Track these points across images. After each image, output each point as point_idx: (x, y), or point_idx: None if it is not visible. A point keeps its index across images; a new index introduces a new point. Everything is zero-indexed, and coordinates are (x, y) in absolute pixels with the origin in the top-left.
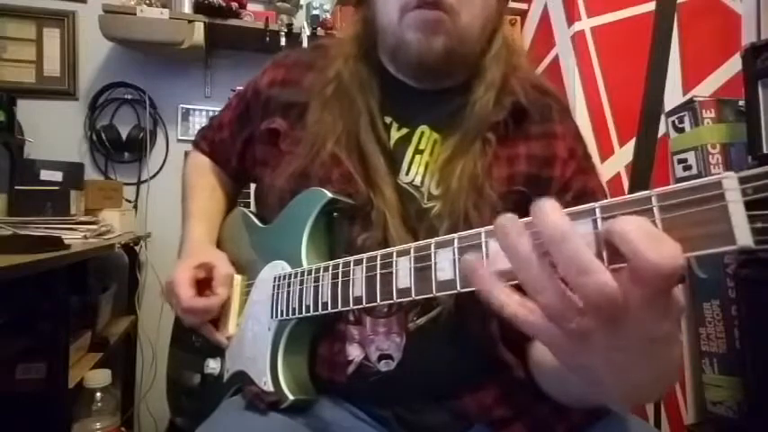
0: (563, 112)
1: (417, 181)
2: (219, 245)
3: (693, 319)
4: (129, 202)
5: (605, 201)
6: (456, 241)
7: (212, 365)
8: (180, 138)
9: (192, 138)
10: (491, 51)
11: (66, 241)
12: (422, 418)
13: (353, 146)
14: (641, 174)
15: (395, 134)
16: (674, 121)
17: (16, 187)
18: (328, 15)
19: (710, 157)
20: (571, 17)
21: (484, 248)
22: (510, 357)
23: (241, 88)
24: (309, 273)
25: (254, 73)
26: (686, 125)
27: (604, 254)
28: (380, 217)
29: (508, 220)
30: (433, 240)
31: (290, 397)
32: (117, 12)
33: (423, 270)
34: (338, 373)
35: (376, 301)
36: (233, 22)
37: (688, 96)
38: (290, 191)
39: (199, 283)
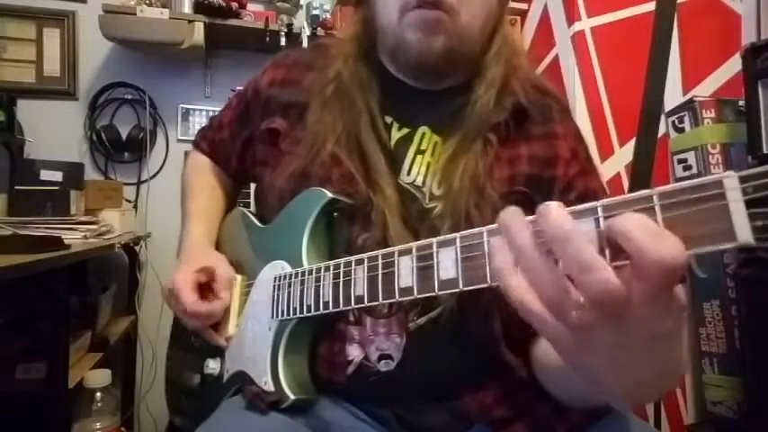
0: (563, 112)
1: (419, 181)
2: (219, 245)
3: (693, 319)
4: (129, 202)
5: (607, 199)
6: (458, 240)
7: (212, 366)
8: (180, 138)
9: (192, 138)
10: (491, 50)
11: (66, 241)
12: (422, 418)
13: (354, 145)
14: (641, 174)
15: (395, 134)
16: (674, 121)
17: (16, 187)
18: (328, 15)
19: (710, 157)
20: (571, 17)
21: (485, 248)
22: (512, 358)
23: (241, 88)
24: (310, 272)
25: (254, 73)
26: (686, 125)
27: (607, 252)
28: (380, 217)
29: (511, 212)
30: (434, 240)
31: (291, 396)
32: (117, 12)
33: (425, 269)
34: (338, 373)
35: (378, 300)
36: (233, 22)
37: (688, 96)
38: (290, 191)
39: (200, 286)
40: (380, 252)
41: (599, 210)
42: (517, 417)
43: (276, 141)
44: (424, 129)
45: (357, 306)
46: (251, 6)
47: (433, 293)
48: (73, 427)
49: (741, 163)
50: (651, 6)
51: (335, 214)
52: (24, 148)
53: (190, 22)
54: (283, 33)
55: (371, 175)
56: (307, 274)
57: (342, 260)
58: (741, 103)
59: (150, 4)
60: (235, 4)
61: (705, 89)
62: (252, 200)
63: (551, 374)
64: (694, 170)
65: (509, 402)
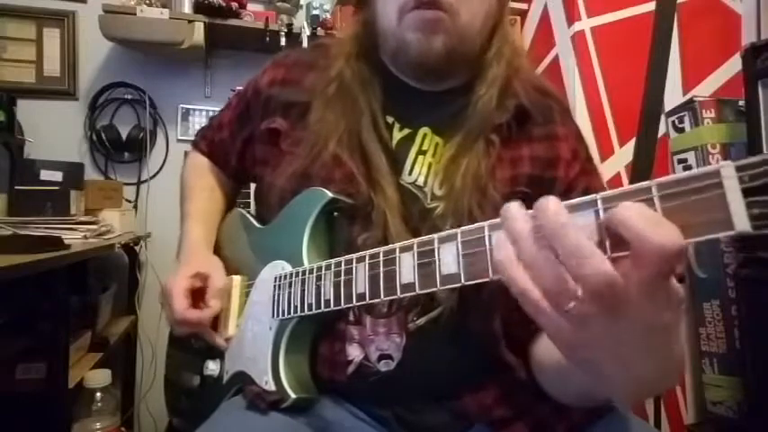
0: (564, 113)
1: (420, 181)
2: (218, 246)
3: (693, 319)
4: (129, 202)
5: (607, 192)
6: (459, 235)
7: (212, 367)
8: (180, 138)
9: (192, 138)
10: (492, 50)
11: (66, 241)
12: (422, 419)
13: (355, 145)
14: (641, 174)
15: (397, 134)
16: (674, 121)
17: (16, 187)
18: (328, 15)
19: (710, 157)
20: (571, 17)
21: (487, 242)
22: (512, 358)
23: (241, 88)
24: (311, 271)
25: (254, 73)
26: (686, 125)
27: (607, 243)
28: (381, 216)
29: (512, 205)
30: (435, 236)
31: (292, 395)
32: (117, 12)
33: (426, 265)
34: (338, 373)
35: (379, 297)
36: (233, 22)
37: (688, 96)
38: (291, 191)
39: (193, 292)
40: (381, 249)
41: (599, 202)
42: (517, 417)
43: (276, 141)
44: (425, 129)
45: (359, 303)
46: (251, 6)
47: (435, 289)
48: (73, 427)
49: None
50: (651, 6)
51: (336, 214)
52: (24, 148)
53: (190, 22)
54: (283, 33)
55: (373, 174)
56: (308, 272)
57: (342, 258)
58: (741, 103)
59: (150, 4)
60: (235, 4)
61: (705, 89)
62: (252, 200)
63: (550, 374)
64: (694, 170)
65: (509, 402)
